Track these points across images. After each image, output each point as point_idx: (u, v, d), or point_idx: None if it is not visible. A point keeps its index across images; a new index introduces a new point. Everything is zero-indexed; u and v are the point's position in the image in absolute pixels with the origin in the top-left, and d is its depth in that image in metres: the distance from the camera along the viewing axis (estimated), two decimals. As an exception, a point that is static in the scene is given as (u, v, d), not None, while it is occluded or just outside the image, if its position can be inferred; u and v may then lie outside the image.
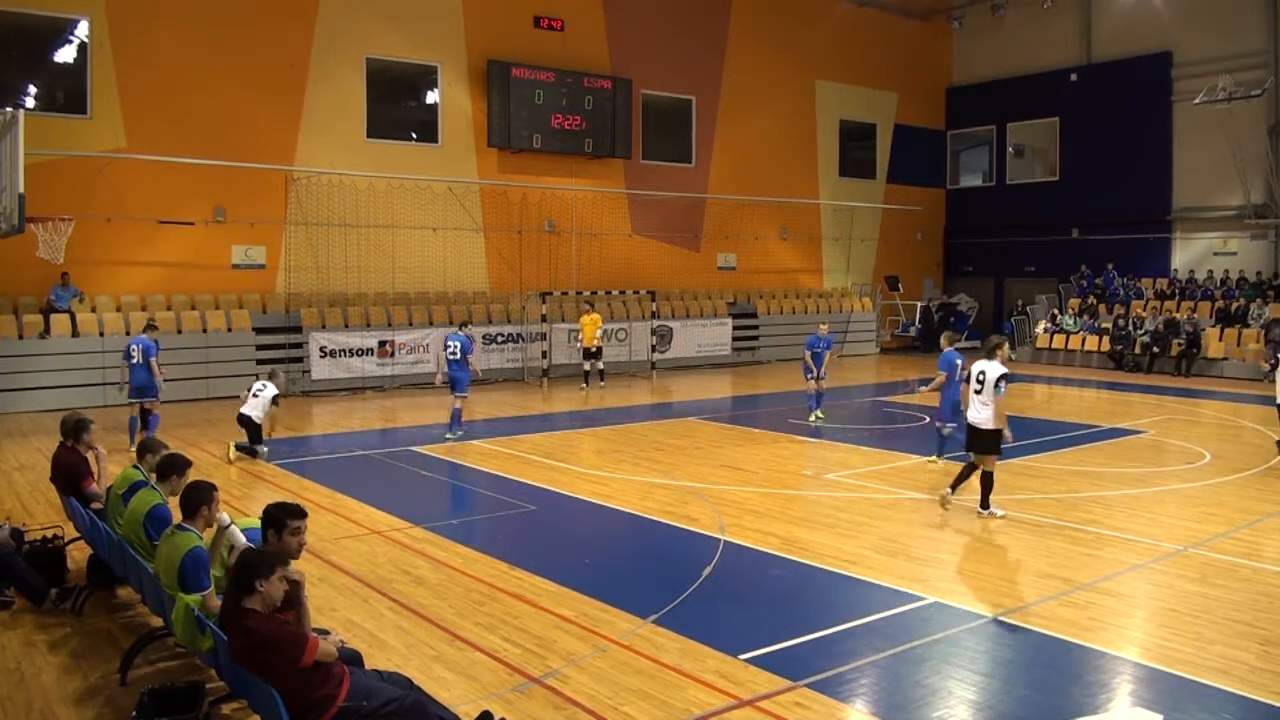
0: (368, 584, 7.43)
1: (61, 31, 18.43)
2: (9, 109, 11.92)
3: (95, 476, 7.72)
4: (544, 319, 21.56)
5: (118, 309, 18.33)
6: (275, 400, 12.81)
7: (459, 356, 14.06)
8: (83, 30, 18.29)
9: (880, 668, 5.87)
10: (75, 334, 17.29)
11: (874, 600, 7.11)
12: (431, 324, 21.03)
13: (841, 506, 10.01)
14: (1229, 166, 24.85)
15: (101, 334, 17.46)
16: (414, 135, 22.84)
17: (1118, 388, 21.17)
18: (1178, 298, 25.85)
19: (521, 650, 6.08)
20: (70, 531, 7.99)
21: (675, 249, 26.37)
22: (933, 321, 29.03)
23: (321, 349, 19.55)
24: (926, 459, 12.26)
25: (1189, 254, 27.51)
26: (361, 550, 8.38)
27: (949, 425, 12.13)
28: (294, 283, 20.45)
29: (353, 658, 4.86)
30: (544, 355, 21.42)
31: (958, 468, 9.96)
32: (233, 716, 5.20)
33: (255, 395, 12.73)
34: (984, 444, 9.49)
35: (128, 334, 16.74)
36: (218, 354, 18.56)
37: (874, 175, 31.58)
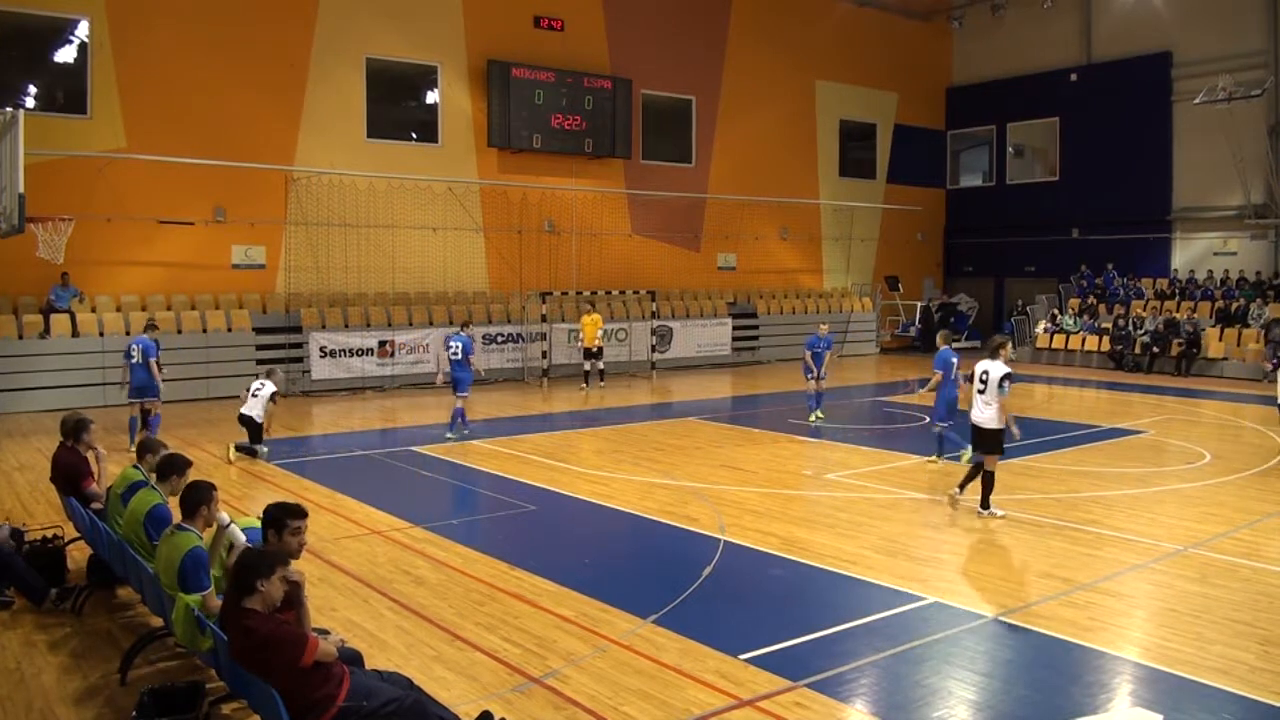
0: (368, 584, 7.43)
1: (61, 31, 18.43)
2: (9, 109, 11.92)
3: (95, 476, 7.71)
4: (544, 319, 21.56)
5: (118, 309, 18.33)
6: (273, 398, 12.81)
7: (461, 357, 14.10)
8: (83, 30, 18.29)
9: (880, 668, 5.87)
10: (75, 334, 17.29)
11: (874, 600, 7.11)
12: (431, 324, 21.03)
13: (841, 506, 10.01)
14: (1229, 166, 24.85)
15: (101, 334, 17.46)
16: (414, 135, 22.84)
17: (1118, 388, 21.17)
18: (1178, 298, 25.84)
19: (521, 650, 6.08)
20: (70, 531, 7.99)
21: (675, 249, 26.37)
22: (933, 321, 29.03)
23: (321, 349, 19.54)
24: (926, 459, 12.25)
25: (1189, 254, 27.51)
26: (361, 550, 8.38)
27: (940, 424, 12.16)
28: (294, 283, 20.45)
29: (353, 658, 4.86)
30: (544, 355, 21.42)
31: (956, 467, 9.96)
32: (233, 716, 5.20)
33: (254, 395, 12.75)
34: (987, 443, 9.49)
35: (128, 334, 16.75)
36: (218, 354, 18.56)
37: (874, 175, 31.58)
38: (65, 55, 18.62)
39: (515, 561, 7.98)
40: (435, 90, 22.61)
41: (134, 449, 7.92)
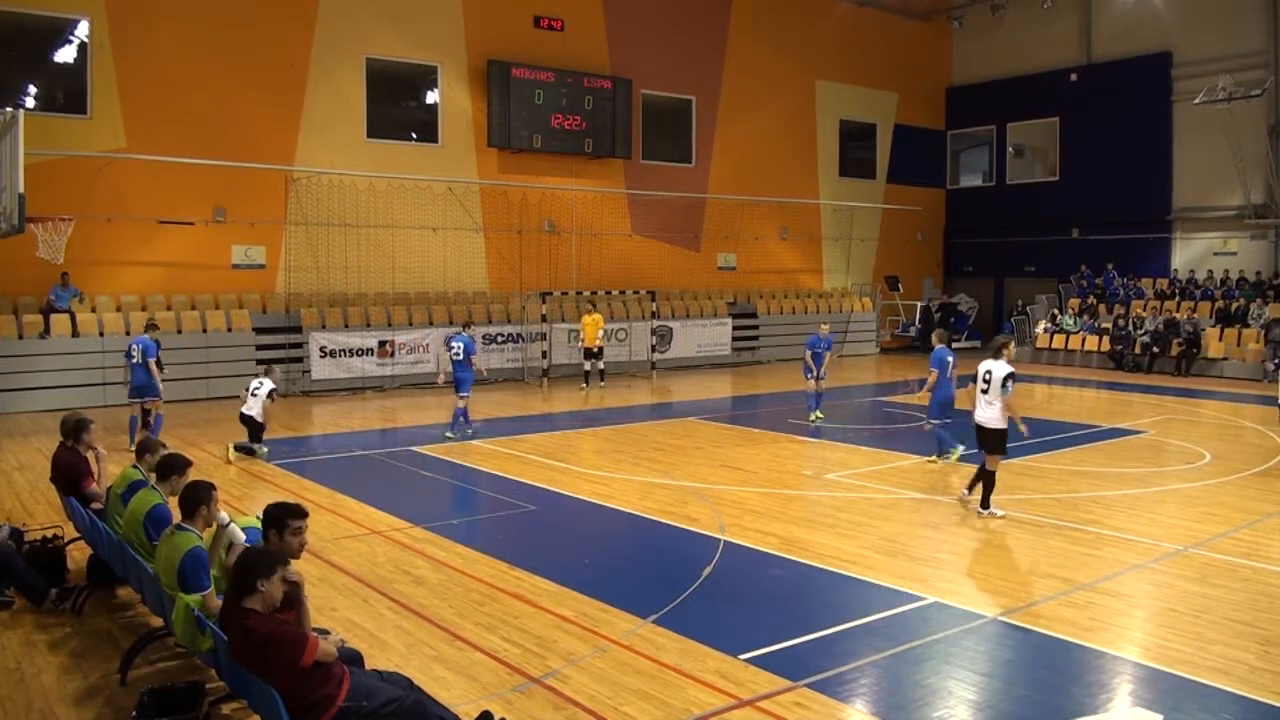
0: (368, 584, 7.43)
1: (61, 31, 18.43)
2: (9, 109, 11.91)
3: (95, 476, 7.72)
4: (544, 319, 21.56)
5: (118, 309, 18.33)
6: (271, 395, 12.81)
7: (462, 357, 14.14)
8: (83, 30, 18.29)
9: (880, 668, 5.87)
10: (75, 334, 17.28)
11: (874, 600, 7.11)
12: (431, 324, 21.03)
13: (841, 506, 10.01)
14: (1229, 166, 24.85)
15: (101, 334, 17.46)
16: (414, 135, 22.84)
17: (1118, 388, 21.17)
18: (1178, 298, 25.84)
19: (521, 650, 6.08)
20: (70, 531, 7.99)
21: (675, 249, 26.37)
22: (933, 322, 29.03)
23: (321, 349, 19.54)
24: (926, 459, 12.26)
25: (1189, 254, 27.51)
26: (361, 550, 8.38)
27: (932, 421, 12.17)
28: (294, 283, 20.44)
29: (353, 658, 4.86)
30: (544, 355, 21.42)
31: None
32: (233, 716, 5.19)
33: (254, 394, 12.75)
34: (989, 443, 9.50)
35: (128, 334, 16.75)
36: (218, 354, 18.55)
37: (874, 175, 31.58)
38: (65, 55, 18.62)
39: (515, 561, 7.98)
40: (435, 90, 22.61)
41: (134, 449, 7.91)
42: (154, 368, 12.87)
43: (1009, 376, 9.38)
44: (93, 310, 17.93)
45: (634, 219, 25.50)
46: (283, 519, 5.00)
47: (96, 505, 7.28)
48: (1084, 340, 25.82)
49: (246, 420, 12.67)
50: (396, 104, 23.01)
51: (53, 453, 7.79)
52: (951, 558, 8.29)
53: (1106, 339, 25.14)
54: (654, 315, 23.95)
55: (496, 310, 22.09)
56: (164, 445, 7.01)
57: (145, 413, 12.97)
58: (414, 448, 13.44)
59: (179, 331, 18.17)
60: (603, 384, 20.66)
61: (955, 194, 33.73)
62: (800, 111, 29.29)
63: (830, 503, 10.22)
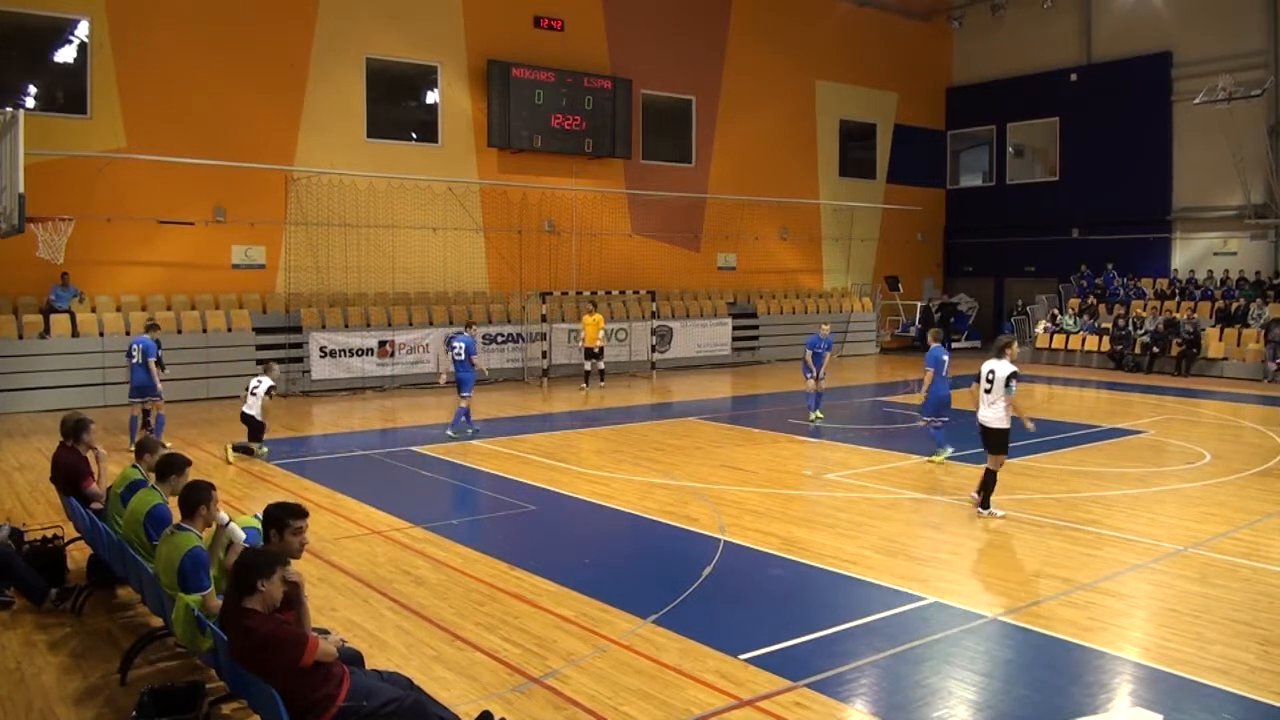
0: (368, 584, 7.43)
1: (61, 31, 18.43)
2: (9, 109, 11.91)
3: (95, 476, 7.72)
4: (544, 319, 21.56)
5: (118, 309, 18.33)
6: (270, 392, 12.81)
7: (464, 357, 14.16)
8: (83, 30, 18.29)
9: (880, 668, 5.87)
10: (75, 334, 17.28)
11: (874, 600, 7.11)
12: (431, 324, 21.03)
13: (841, 506, 10.01)
14: (1229, 166, 24.85)
15: (101, 334, 17.46)
16: (414, 135, 22.84)
17: (1118, 388, 21.17)
18: (1178, 298, 25.83)
19: (521, 650, 6.08)
20: (70, 531, 7.99)
21: (675, 249, 26.37)
22: (932, 322, 29.02)
23: (321, 349, 19.54)
24: (926, 459, 12.26)
25: (1189, 254, 27.51)
26: (361, 550, 8.37)
27: (925, 418, 12.18)
28: (294, 283, 20.44)
29: (353, 658, 4.86)
30: (544, 355, 21.42)
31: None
32: (233, 716, 5.19)
33: (253, 393, 12.75)
34: (992, 443, 9.51)
35: (128, 334, 16.75)
36: (218, 354, 18.55)
37: (874, 175, 31.58)
38: (65, 55, 18.62)
39: (515, 561, 7.98)
40: (435, 90, 22.61)
41: (134, 449, 7.92)
42: (154, 368, 12.88)
43: (1012, 376, 9.39)
44: (93, 310, 17.93)
45: (634, 219, 25.50)
46: (283, 519, 5.00)
47: (96, 505, 7.28)
48: (1084, 340, 25.81)
49: (247, 419, 12.67)
50: (396, 104, 23.01)
51: (53, 453, 7.79)
52: (951, 558, 8.29)
53: (1106, 339, 25.14)
54: (654, 315, 23.95)
55: (496, 310, 22.09)
56: (164, 445, 7.01)
57: (146, 413, 12.97)
58: (414, 448, 13.44)
59: (179, 331, 18.17)
60: (603, 384, 20.66)
61: (955, 194, 33.74)
62: (800, 111, 29.29)
63: (830, 503, 10.22)
